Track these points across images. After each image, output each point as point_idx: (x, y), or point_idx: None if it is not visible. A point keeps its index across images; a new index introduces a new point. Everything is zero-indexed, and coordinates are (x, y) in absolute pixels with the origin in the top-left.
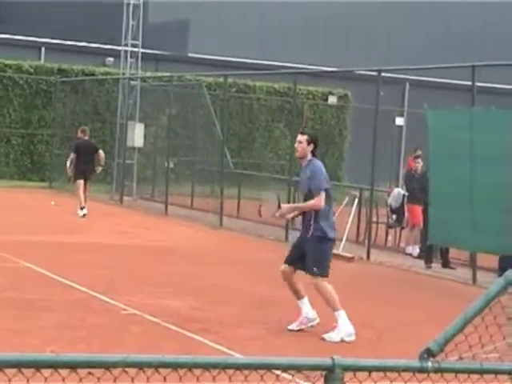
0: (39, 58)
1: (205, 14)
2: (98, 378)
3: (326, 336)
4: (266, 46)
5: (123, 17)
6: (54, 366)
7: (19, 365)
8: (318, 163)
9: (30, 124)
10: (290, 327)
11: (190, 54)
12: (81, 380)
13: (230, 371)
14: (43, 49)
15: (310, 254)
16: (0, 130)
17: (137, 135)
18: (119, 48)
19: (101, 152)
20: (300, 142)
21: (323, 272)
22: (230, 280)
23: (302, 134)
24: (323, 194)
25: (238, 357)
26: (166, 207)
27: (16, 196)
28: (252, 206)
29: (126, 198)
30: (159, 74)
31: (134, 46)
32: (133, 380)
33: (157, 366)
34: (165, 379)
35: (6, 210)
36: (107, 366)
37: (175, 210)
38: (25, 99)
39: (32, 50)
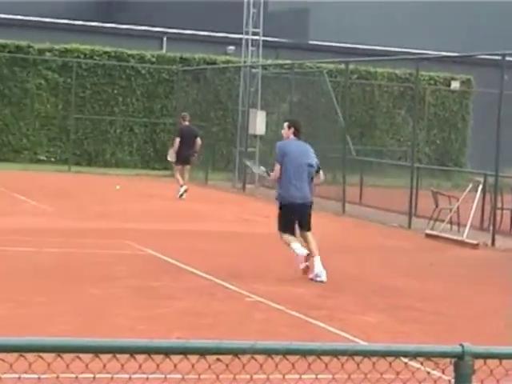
0: (161, 48)
1: (324, 0)
2: (227, 365)
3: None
4: (388, 32)
5: (244, 5)
6: (184, 352)
7: (149, 351)
8: (283, 142)
9: (153, 113)
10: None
11: (310, 41)
12: (210, 367)
13: (358, 358)
14: (165, 38)
15: None
16: (123, 119)
17: (258, 123)
18: (240, 36)
19: (198, 139)
20: (283, 128)
21: (278, 228)
22: (354, 267)
23: (285, 121)
24: (277, 166)
25: (365, 344)
26: None
27: (139, 184)
28: (375, 192)
29: (248, 186)
30: (280, 62)
31: (254, 34)
32: (261, 366)
33: (285, 352)
34: (293, 366)
35: (130, 199)
36: (236, 352)
37: None
38: (147, 89)
39: (154, 39)
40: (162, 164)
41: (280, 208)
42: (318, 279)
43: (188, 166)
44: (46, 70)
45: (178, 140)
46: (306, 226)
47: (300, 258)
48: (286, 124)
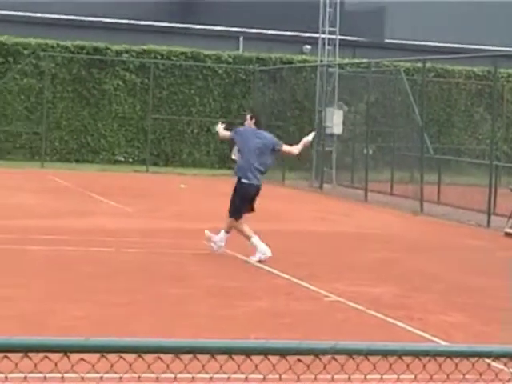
0: (238, 48)
1: None
2: (308, 366)
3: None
4: (465, 29)
5: (320, 4)
6: (265, 352)
7: (230, 351)
8: (244, 127)
9: (230, 113)
10: (250, 258)
11: (387, 40)
12: (290, 367)
13: (440, 359)
14: (241, 38)
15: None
16: (200, 119)
17: (335, 122)
18: (316, 35)
19: None
20: (246, 119)
21: (234, 214)
22: (431, 266)
23: (247, 112)
24: (230, 134)
25: (447, 344)
26: (366, 194)
27: (216, 184)
28: (453, 191)
29: (325, 185)
30: (356, 61)
31: (331, 33)
32: (342, 367)
33: (366, 353)
34: (374, 366)
35: (207, 199)
36: (317, 353)
37: (375, 196)
38: (224, 89)
39: (230, 39)
40: None
41: (236, 190)
42: (264, 256)
43: None
44: (123, 71)
45: None
46: (251, 209)
47: (263, 254)
48: (248, 116)
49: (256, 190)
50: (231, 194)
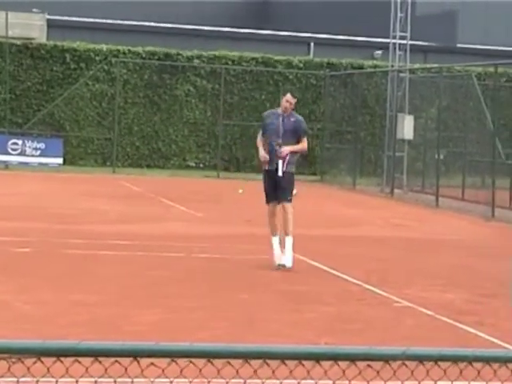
0: (308, 53)
1: (473, 3)
2: (377, 372)
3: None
4: None
5: (391, 9)
6: (334, 358)
7: (299, 357)
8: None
9: None
10: None
11: (458, 44)
12: (360, 373)
13: None
14: (312, 44)
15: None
16: None
17: (406, 127)
18: (387, 40)
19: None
20: (291, 104)
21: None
22: (503, 272)
23: (294, 97)
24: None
25: None
26: (437, 199)
27: None
28: None
29: (396, 191)
30: (428, 66)
31: (402, 38)
32: (412, 373)
33: (437, 359)
34: (445, 372)
35: None
36: (387, 358)
37: (446, 201)
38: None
39: (301, 45)
40: (310, 169)
41: (292, 178)
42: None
43: None
44: (194, 76)
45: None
46: None
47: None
48: (294, 101)
49: None
50: (287, 182)
